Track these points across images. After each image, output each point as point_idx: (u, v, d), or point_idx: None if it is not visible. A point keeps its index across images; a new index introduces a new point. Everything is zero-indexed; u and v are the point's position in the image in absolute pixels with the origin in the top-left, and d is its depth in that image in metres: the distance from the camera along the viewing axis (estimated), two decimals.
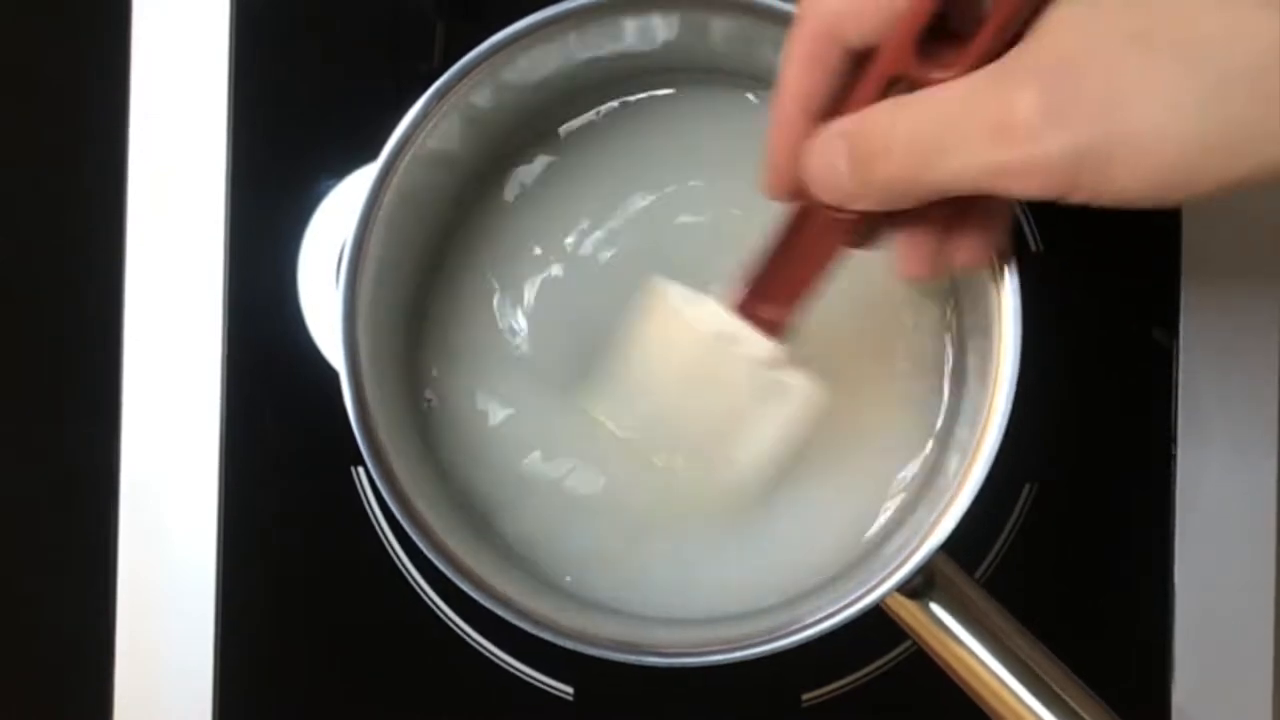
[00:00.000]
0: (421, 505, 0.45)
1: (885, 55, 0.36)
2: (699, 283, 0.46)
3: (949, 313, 0.50)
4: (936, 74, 0.35)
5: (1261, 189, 0.33)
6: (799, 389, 0.45)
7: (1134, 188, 0.33)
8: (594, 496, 0.50)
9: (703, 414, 0.46)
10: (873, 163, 0.36)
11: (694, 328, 0.44)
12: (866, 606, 0.43)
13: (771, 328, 0.43)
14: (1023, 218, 0.53)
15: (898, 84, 0.36)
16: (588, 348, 0.50)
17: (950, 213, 0.39)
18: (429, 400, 0.51)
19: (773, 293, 0.43)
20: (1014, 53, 0.34)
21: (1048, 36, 0.34)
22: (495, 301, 0.51)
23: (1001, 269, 0.43)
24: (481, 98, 0.46)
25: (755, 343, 0.44)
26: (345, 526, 0.54)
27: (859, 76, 0.37)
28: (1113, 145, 0.32)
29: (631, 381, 0.47)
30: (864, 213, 0.38)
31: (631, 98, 0.51)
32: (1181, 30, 0.32)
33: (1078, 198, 0.34)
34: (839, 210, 0.38)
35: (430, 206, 0.49)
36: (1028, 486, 0.53)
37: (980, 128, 0.34)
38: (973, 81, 0.34)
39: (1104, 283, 0.54)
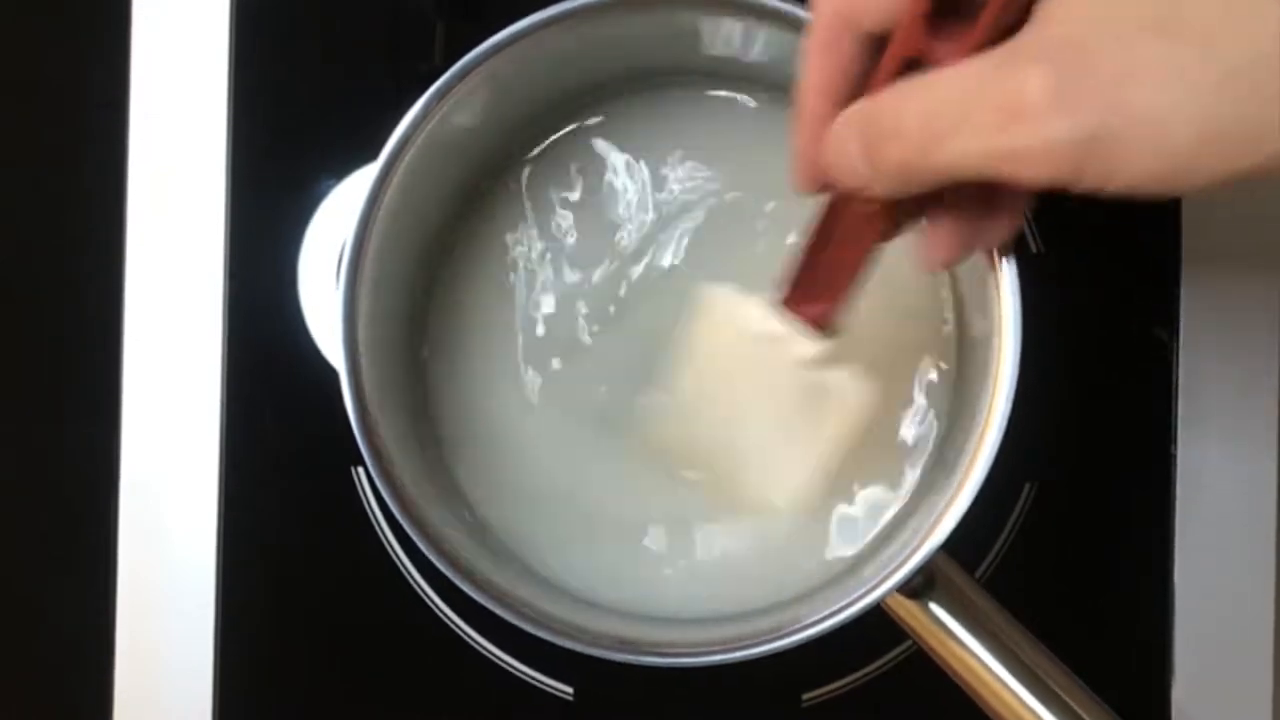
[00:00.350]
0: (421, 505, 0.45)
1: (898, 36, 0.36)
2: (705, 274, 0.46)
3: (950, 313, 0.50)
4: (948, 52, 0.35)
5: (1272, 178, 0.33)
6: (847, 393, 0.44)
7: (1143, 174, 0.32)
8: (599, 502, 0.50)
9: (754, 424, 0.46)
10: (883, 145, 0.36)
11: (741, 331, 0.44)
12: (866, 606, 0.43)
13: (817, 325, 0.43)
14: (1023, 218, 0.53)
15: (914, 67, 0.36)
16: (593, 345, 0.50)
17: (975, 200, 0.39)
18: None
19: (815, 289, 0.42)
20: (1023, 33, 0.33)
21: (1056, 18, 0.33)
22: (499, 299, 0.51)
23: (999, 261, 0.43)
24: (481, 98, 0.46)
25: (801, 342, 0.43)
26: (345, 526, 0.54)
27: (876, 63, 0.37)
28: (1123, 129, 0.32)
29: (686, 398, 0.47)
30: (889, 201, 0.38)
31: (632, 97, 0.51)
32: (1196, 16, 0.32)
33: (1085, 184, 0.33)
34: (862, 198, 0.38)
35: (431, 206, 0.49)
36: (1028, 486, 0.53)
37: (989, 110, 0.33)
38: (983, 62, 0.34)
39: (1104, 282, 0.54)
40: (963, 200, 0.38)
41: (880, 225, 0.40)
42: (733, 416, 0.46)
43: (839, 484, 0.49)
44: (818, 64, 0.38)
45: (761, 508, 0.48)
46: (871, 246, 0.41)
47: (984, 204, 0.39)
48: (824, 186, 0.40)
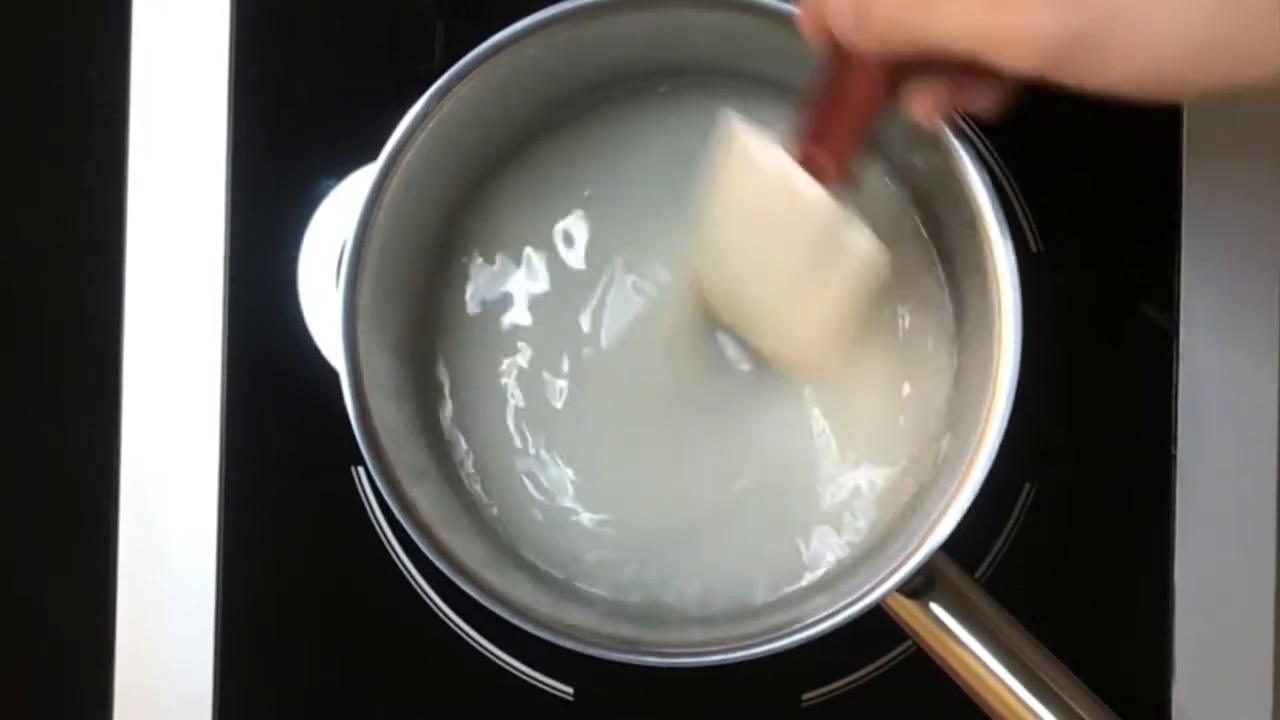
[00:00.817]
0: (420, 505, 0.45)
1: None
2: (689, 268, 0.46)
3: (949, 313, 0.50)
4: None
5: (1259, 96, 0.32)
6: (858, 249, 0.44)
7: (1127, 77, 0.32)
8: (603, 504, 0.50)
9: (773, 271, 0.46)
10: (871, 4, 0.36)
11: (763, 174, 0.43)
12: (866, 606, 0.43)
13: (830, 175, 0.43)
14: (1023, 218, 0.53)
15: None
16: (595, 344, 0.50)
17: (961, 70, 0.38)
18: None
19: (825, 139, 0.42)
20: None
21: None
22: (499, 298, 0.51)
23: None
24: (481, 97, 0.46)
25: (817, 193, 0.43)
26: (345, 526, 0.54)
27: None
28: (1113, 29, 0.31)
29: (713, 232, 0.47)
30: (883, 61, 0.39)
31: (630, 97, 0.51)
32: None
33: (1066, 79, 0.33)
34: (858, 57, 0.39)
35: (431, 205, 0.49)
36: (1028, 486, 0.53)
37: None
38: None
39: (1104, 282, 0.54)
40: (948, 68, 0.38)
41: (879, 83, 0.40)
42: (752, 260, 0.46)
43: (844, 483, 0.50)
44: None
45: (777, 360, 0.48)
46: (873, 104, 0.41)
47: (969, 74, 0.39)
48: (827, 35, 0.40)
